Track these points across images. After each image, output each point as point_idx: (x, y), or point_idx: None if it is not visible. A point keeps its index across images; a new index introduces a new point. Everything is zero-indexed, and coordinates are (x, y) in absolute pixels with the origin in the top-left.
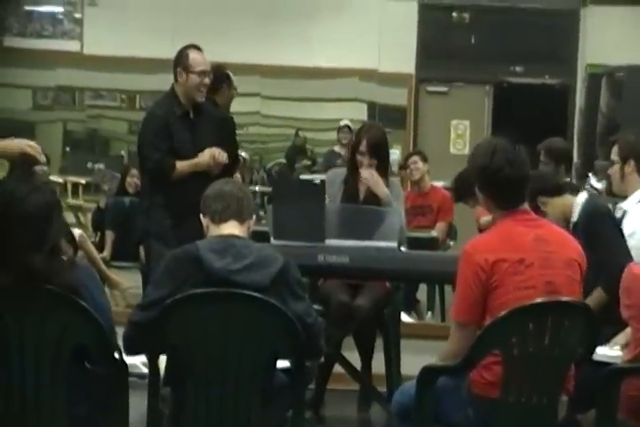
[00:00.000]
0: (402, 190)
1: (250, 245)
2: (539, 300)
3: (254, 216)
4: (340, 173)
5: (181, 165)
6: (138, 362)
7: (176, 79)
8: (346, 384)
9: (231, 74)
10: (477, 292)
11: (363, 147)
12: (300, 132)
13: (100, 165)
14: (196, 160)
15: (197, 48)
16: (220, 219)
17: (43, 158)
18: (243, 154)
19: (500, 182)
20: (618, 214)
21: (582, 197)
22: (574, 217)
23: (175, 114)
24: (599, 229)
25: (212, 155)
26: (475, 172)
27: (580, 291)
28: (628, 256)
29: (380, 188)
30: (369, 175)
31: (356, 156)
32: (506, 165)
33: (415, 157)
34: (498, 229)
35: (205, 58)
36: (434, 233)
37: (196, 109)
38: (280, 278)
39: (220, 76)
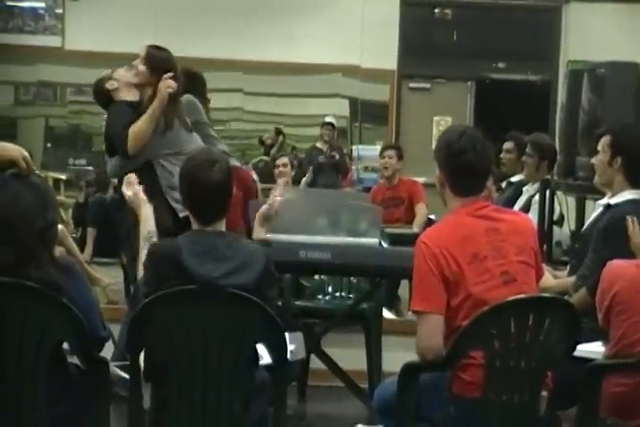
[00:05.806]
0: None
1: (232, 245)
2: (520, 296)
3: None
4: None
5: None
6: (111, 365)
7: None
8: (328, 381)
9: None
10: (435, 280)
11: None
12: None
13: (82, 161)
14: None
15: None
16: (204, 220)
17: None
18: None
19: (460, 164)
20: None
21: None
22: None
23: None
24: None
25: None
26: (439, 148)
27: (533, 275)
28: None
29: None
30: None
31: None
32: (470, 149)
33: (391, 152)
34: (451, 220)
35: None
36: (415, 229)
37: None
38: (262, 277)
39: None
